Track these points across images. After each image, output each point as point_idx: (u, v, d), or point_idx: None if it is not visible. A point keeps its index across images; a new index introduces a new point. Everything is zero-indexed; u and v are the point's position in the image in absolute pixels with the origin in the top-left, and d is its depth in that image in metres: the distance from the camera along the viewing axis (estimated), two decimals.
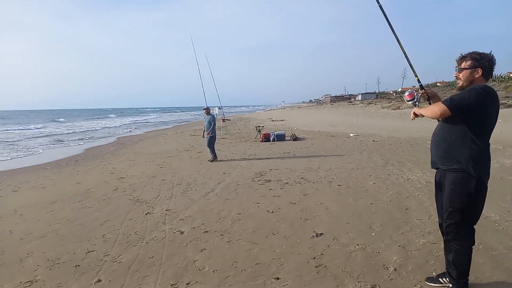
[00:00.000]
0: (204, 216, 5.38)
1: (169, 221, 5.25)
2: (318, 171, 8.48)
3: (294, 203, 5.84)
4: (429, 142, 3.00)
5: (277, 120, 31.23)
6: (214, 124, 11.54)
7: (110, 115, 77.96)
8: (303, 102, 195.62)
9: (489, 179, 2.67)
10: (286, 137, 16.15)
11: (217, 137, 18.89)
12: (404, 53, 3.08)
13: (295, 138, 15.69)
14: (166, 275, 3.53)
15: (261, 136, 16.18)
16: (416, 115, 2.91)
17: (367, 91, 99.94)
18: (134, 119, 54.32)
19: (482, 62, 2.64)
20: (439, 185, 2.88)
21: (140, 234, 4.75)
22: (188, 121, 43.74)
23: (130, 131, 30.25)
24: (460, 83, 2.73)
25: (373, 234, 4.34)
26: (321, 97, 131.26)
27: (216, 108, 32.68)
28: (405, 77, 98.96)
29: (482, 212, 2.73)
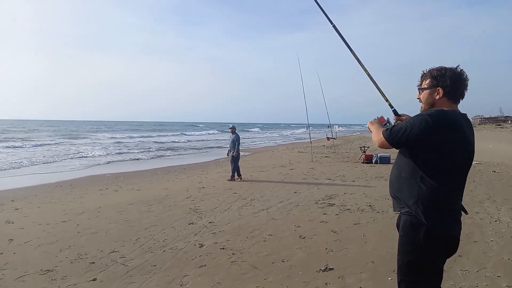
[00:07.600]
0: (235, 233, 5.39)
1: (202, 233, 5.41)
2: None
3: (335, 232, 5.36)
4: None
5: None
6: (239, 144, 11.22)
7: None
8: None
9: None
10: (391, 160, 14.85)
11: (321, 155, 18.73)
12: (369, 75, 2.58)
13: None
14: (149, 285, 3.66)
15: (363, 157, 15.26)
16: None
17: None
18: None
19: (443, 80, 2.08)
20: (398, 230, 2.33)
21: (166, 242, 5.03)
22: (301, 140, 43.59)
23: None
24: (422, 106, 2.21)
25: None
26: (471, 118, 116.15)
27: (336, 126, 32.13)
28: None
29: None
